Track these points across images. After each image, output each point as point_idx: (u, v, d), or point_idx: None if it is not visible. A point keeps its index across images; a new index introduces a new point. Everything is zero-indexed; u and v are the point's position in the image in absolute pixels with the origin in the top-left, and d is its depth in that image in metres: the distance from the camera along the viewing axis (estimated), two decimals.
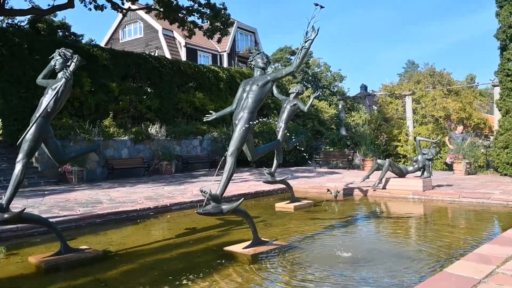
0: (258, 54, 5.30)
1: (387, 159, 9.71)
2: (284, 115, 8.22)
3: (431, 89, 16.69)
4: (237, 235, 6.06)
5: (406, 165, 12.22)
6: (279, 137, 8.15)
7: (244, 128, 4.78)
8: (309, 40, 4.71)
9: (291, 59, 48.62)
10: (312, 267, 4.33)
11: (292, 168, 17.78)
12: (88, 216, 7.13)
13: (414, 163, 9.81)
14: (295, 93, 8.40)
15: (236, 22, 37.39)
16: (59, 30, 25.96)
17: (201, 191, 4.54)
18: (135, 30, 34.63)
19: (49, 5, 17.18)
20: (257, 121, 4.91)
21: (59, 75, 4.85)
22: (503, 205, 7.87)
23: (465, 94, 16.74)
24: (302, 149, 8.76)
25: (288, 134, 8.25)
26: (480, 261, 3.78)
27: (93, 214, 7.24)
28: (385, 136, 16.40)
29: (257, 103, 4.92)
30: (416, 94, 16.73)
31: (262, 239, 5.25)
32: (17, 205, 8.48)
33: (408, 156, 15.60)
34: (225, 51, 37.38)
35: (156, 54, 31.76)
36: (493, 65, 15.29)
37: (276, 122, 8.54)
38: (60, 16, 26.81)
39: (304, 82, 47.14)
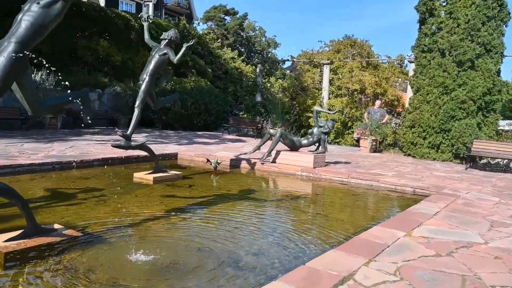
0: None
1: (279, 129, 8.56)
2: (151, 66, 6.61)
3: (350, 60, 15.80)
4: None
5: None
6: (140, 92, 6.58)
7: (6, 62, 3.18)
8: None
9: (225, 19, 46.27)
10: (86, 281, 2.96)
11: (199, 133, 16.33)
12: None
13: (309, 136, 8.76)
14: (167, 40, 6.78)
15: None
16: None
17: None
18: None
19: None
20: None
21: None
22: (390, 189, 7.04)
23: (382, 69, 16.09)
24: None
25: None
26: (309, 283, 2.61)
27: None
28: (298, 106, 15.38)
29: (33, 31, 3.32)
30: (335, 63, 15.77)
31: (48, 226, 3.78)
32: None
33: None
34: (151, 1, 34.36)
35: None
36: None
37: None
38: None
39: (238, 45, 45.21)
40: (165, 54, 6.63)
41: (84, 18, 17.59)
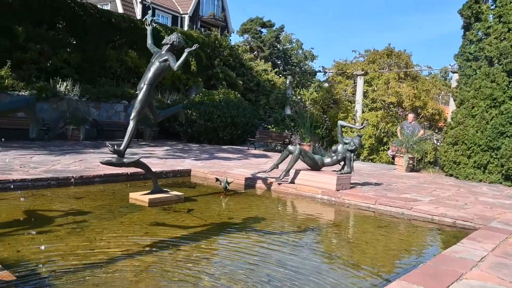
0: None
1: (298, 146, 7.64)
2: (149, 74, 5.90)
3: (386, 71, 14.64)
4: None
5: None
6: (137, 103, 5.89)
7: None
8: None
9: (262, 31, 45.84)
10: None
11: (224, 147, 15.64)
12: None
13: (333, 154, 7.77)
14: (168, 45, 6.07)
15: None
16: None
17: None
18: None
19: None
20: None
21: None
22: (425, 219, 5.93)
23: (422, 81, 14.81)
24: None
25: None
26: None
27: None
28: (327, 119, 14.33)
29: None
30: (369, 74, 14.66)
31: None
32: None
33: None
34: (187, 13, 34.45)
35: (108, 8, 28.72)
36: None
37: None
38: None
39: (274, 58, 44.53)
40: (165, 60, 5.92)
41: (113, 29, 17.48)
